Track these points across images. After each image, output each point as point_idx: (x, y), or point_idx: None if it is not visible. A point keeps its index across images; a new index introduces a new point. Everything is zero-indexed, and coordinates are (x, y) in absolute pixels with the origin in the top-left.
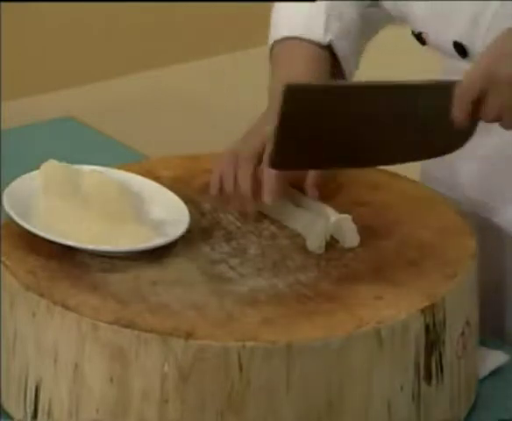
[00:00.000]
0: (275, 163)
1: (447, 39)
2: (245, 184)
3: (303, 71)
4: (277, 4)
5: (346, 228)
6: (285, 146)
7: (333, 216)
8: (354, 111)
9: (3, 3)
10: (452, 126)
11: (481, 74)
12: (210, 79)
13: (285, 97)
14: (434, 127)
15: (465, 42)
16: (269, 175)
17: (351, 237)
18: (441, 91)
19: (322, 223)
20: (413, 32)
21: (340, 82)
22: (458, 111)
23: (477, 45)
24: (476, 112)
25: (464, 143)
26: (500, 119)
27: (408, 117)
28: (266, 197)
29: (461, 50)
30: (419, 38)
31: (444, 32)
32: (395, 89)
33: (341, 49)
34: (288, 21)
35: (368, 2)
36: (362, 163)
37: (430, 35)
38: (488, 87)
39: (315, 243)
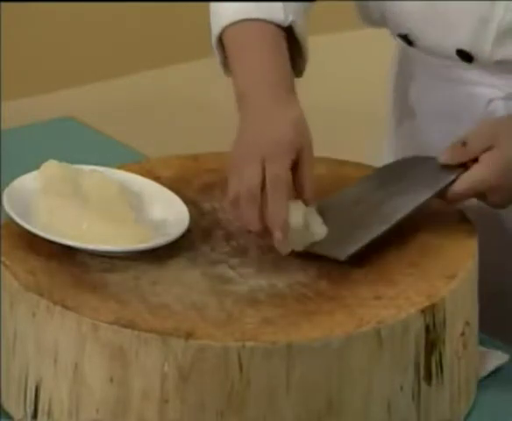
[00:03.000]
0: None
1: (447, 46)
2: (256, 227)
3: (270, 59)
4: None
5: (313, 221)
6: None
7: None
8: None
9: (3, 3)
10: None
11: (478, 185)
12: (210, 79)
13: None
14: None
15: (469, 49)
16: (278, 209)
17: (318, 229)
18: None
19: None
20: (399, 34)
21: None
22: (454, 202)
23: (485, 50)
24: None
25: None
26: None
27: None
28: (278, 234)
29: (465, 56)
30: (405, 39)
31: (443, 39)
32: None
33: (299, 30)
34: (236, 4)
35: None
36: None
37: (421, 39)
38: (486, 192)
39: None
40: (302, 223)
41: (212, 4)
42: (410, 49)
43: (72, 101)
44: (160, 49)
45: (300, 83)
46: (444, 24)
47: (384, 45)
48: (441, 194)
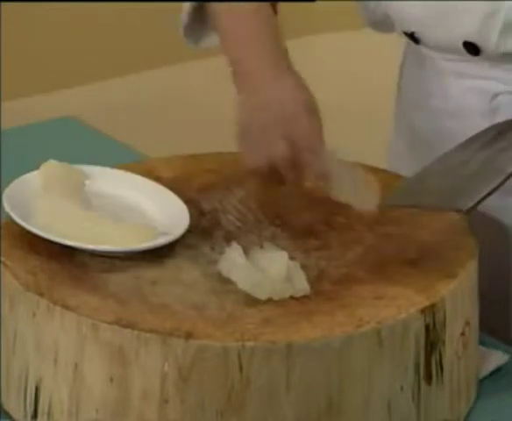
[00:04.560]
0: None
1: (454, 39)
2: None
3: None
4: None
5: (296, 276)
6: None
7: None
8: None
9: (3, 3)
10: None
11: None
12: (210, 79)
13: None
14: None
15: (476, 41)
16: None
17: (300, 285)
18: None
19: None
20: (405, 32)
21: None
22: None
23: (491, 41)
24: None
25: None
26: None
27: None
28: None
29: (471, 49)
30: (412, 37)
31: (450, 32)
32: None
33: None
34: None
35: None
36: None
37: (426, 35)
38: None
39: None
40: (284, 274)
41: None
42: (417, 46)
43: (72, 101)
44: (160, 49)
45: None
46: (450, 17)
47: (384, 45)
48: None
